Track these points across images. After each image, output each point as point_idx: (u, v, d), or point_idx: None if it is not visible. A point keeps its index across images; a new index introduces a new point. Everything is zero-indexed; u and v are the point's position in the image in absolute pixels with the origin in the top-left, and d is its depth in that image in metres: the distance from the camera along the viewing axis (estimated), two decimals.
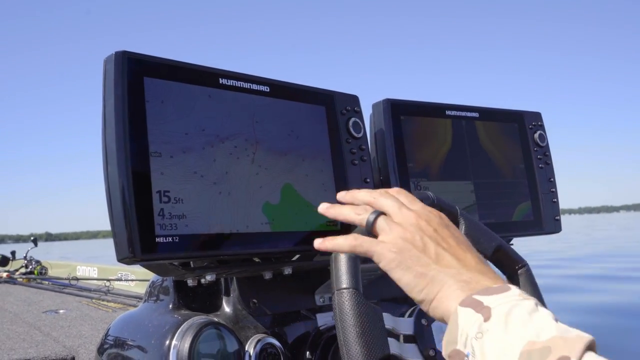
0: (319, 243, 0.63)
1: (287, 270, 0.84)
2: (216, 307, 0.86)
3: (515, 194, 1.14)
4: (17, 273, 4.65)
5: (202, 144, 0.73)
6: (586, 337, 0.46)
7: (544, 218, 1.16)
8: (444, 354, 0.53)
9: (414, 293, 0.56)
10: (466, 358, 0.50)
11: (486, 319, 0.49)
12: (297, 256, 0.85)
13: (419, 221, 0.59)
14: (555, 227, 1.18)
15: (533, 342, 0.46)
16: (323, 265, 0.90)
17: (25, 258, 4.97)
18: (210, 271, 0.76)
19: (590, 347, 0.46)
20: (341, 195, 0.68)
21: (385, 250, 0.57)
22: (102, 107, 0.68)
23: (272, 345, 0.81)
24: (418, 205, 0.63)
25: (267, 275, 0.83)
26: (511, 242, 1.12)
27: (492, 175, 1.12)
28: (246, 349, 0.79)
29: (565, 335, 0.46)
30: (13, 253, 5.60)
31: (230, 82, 0.78)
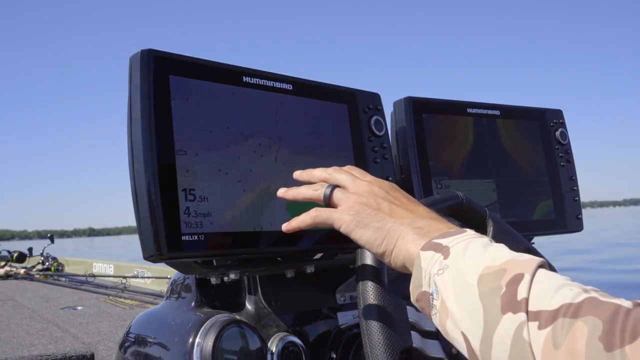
0: (286, 226, 0.66)
1: (310, 269, 0.84)
2: (238, 305, 0.86)
3: (536, 193, 1.12)
4: (34, 270, 4.71)
5: (227, 142, 0.73)
6: (538, 258, 0.49)
7: (566, 217, 1.14)
8: (412, 300, 0.55)
9: (375, 248, 0.59)
10: (431, 296, 0.53)
11: (445, 257, 0.52)
12: (319, 255, 0.85)
13: (372, 187, 0.63)
14: (577, 226, 1.16)
15: (489, 267, 0.49)
16: (344, 263, 0.90)
17: (42, 255, 5.02)
18: (234, 269, 0.76)
19: (542, 266, 0.49)
20: (298, 174, 0.70)
21: (344, 214, 0.61)
22: (127, 104, 0.68)
23: (294, 343, 0.81)
24: (370, 176, 0.66)
25: (290, 274, 0.83)
26: (532, 241, 1.11)
27: (514, 174, 1.10)
28: (268, 347, 0.79)
29: (518, 258, 0.50)
30: (30, 250, 5.67)
31: (254, 80, 0.78)
